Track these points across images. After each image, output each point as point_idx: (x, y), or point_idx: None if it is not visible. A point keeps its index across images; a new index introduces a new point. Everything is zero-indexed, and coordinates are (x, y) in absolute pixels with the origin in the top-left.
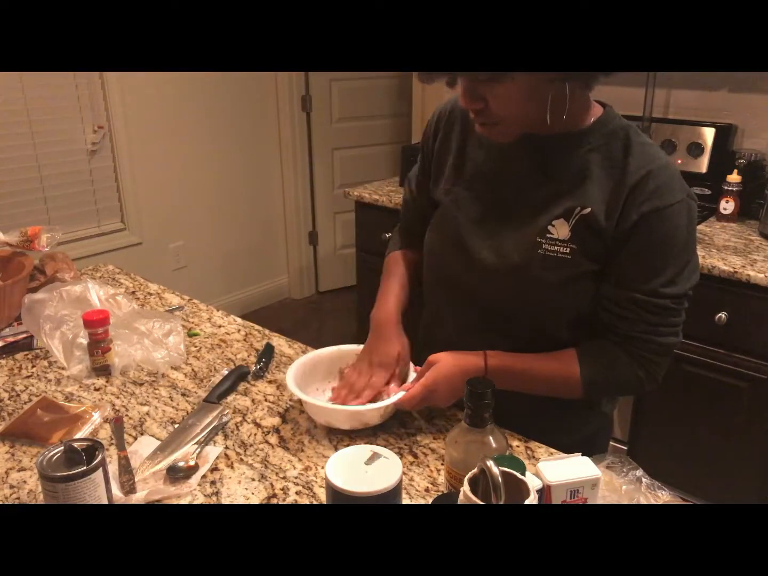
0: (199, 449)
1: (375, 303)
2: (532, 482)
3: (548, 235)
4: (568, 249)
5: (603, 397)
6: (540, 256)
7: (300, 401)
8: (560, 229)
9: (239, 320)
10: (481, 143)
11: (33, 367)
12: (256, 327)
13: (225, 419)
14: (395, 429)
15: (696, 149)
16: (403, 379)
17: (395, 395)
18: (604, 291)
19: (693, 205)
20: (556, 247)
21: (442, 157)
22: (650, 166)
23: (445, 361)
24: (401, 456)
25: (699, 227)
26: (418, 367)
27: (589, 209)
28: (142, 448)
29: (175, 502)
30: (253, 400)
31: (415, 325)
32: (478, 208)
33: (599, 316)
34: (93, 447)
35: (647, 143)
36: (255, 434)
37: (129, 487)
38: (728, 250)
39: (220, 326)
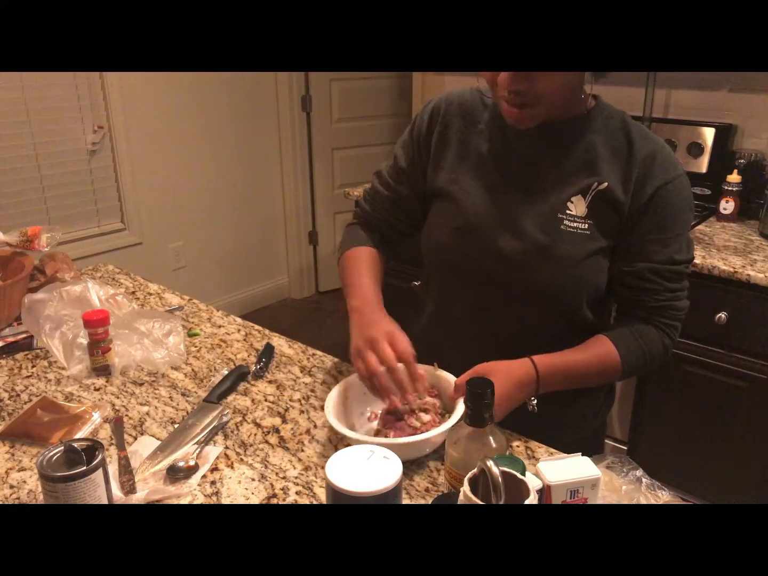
0: (199, 449)
1: (347, 294)
2: (532, 482)
3: (568, 211)
4: (586, 225)
5: (638, 373)
6: (563, 231)
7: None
8: (578, 206)
9: (239, 320)
10: (483, 134)
11: (33, 367)
12: (256, 327)
13: (225, 419)
14: None
15: (696, 149)
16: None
17: (456, 414)
18: (623, 267)
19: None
20: (575, 223)
21: (442, 151)
22: (653, 144)
23: (498, 378)
24: None
25: (699, 227)
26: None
27: (606, 184)
28: (142, 448)
29: (175, 502)
30: (253, 400)
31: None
32: (489, 194)
33: (619, 293)
34: (93, 447)
35: (641, 126)
36: (255, 434)
37: (129, 487)
38: (728, 250)
39: (220, 326)
